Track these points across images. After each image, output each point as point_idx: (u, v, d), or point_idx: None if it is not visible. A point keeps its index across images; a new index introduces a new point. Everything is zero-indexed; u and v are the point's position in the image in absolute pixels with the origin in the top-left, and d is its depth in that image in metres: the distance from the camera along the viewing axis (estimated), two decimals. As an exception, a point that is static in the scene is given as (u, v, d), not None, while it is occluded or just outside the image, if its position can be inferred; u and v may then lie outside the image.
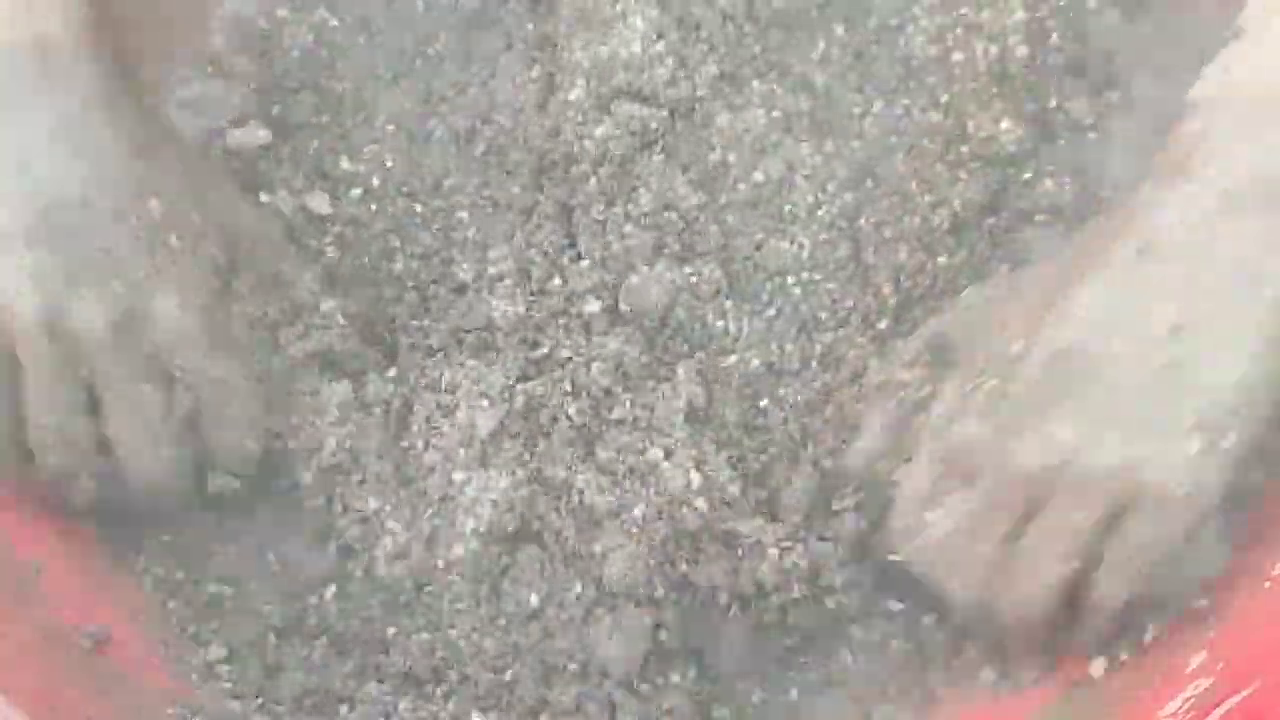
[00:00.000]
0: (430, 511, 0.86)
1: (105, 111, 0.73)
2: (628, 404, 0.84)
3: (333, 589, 0.87)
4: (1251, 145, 0.63)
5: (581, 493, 0.82)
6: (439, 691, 0.84)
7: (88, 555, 0.85)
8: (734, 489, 0.83)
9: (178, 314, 0.74)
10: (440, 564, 0.85)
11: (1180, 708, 0.71)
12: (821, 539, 0.84)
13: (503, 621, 0.84)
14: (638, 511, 0.81)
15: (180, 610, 0.86)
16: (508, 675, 0.83)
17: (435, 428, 0.86)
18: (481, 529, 0.82)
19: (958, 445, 0.73)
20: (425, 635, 0.84)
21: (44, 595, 0.80)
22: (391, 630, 0.85)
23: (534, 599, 0.83)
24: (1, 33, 0.69)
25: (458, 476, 0.83)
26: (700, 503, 0.82)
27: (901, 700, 0.86)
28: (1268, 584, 0.74)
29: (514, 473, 0.83)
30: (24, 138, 0.70)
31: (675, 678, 0.84)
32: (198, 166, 0.81)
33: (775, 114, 0.91)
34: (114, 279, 0.73)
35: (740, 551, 0.83)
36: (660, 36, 0.87)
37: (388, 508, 0.88)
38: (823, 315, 0.87)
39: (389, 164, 0.93)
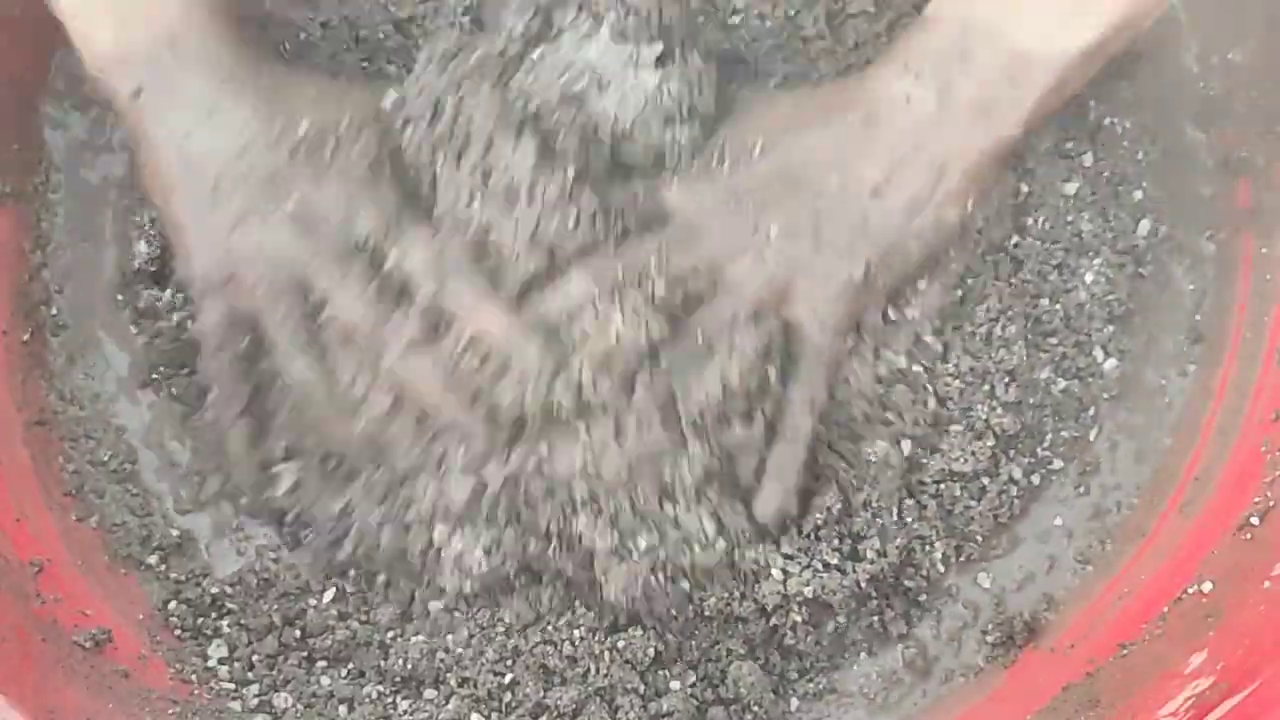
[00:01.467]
0: (418, 565, 0.85)
1: (238, 80, 0.80)
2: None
3: (332, 592, 0.87)
4: (956, 61, 0.76)
5: (580, 536, 0.82)
6: (439, 693, 0.84)
7: (88, 555, 0.85)
8: (743, 521, 0.83)
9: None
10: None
11: (1180, 707, 0.71)
12: (826, 564, 0.83)
13: (502, 628, 0.84)
14: (642, 542, 0.81)
15: (180, 610, 0.86)
16: (507, 678, 0.83)
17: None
18: (472, 577, 0.83)
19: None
20: (424, 638, 0.84)
21: (44, 595, 0.80)
22: (391, 634, 0.85)
23: (532, 612, 0.83)
24: (137, 34, 0.77)
25: (439, 531, 0.83)
26: (717, 543, 0.82)
27: (900, 707, 0.87)
28: (1267, 584, 0.74)
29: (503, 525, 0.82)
30: (184, 120, 0.79)
31: (675, 684, 0.83)
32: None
33: None
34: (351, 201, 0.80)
35: (743, 573, 0.83)
36: None
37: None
38: None
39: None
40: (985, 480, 0.87)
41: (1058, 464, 0.90)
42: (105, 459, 0.89)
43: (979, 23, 0.75)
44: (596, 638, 0.82)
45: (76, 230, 0.93)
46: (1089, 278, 0.90)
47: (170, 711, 0.78)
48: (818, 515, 0.83)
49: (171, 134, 0.78)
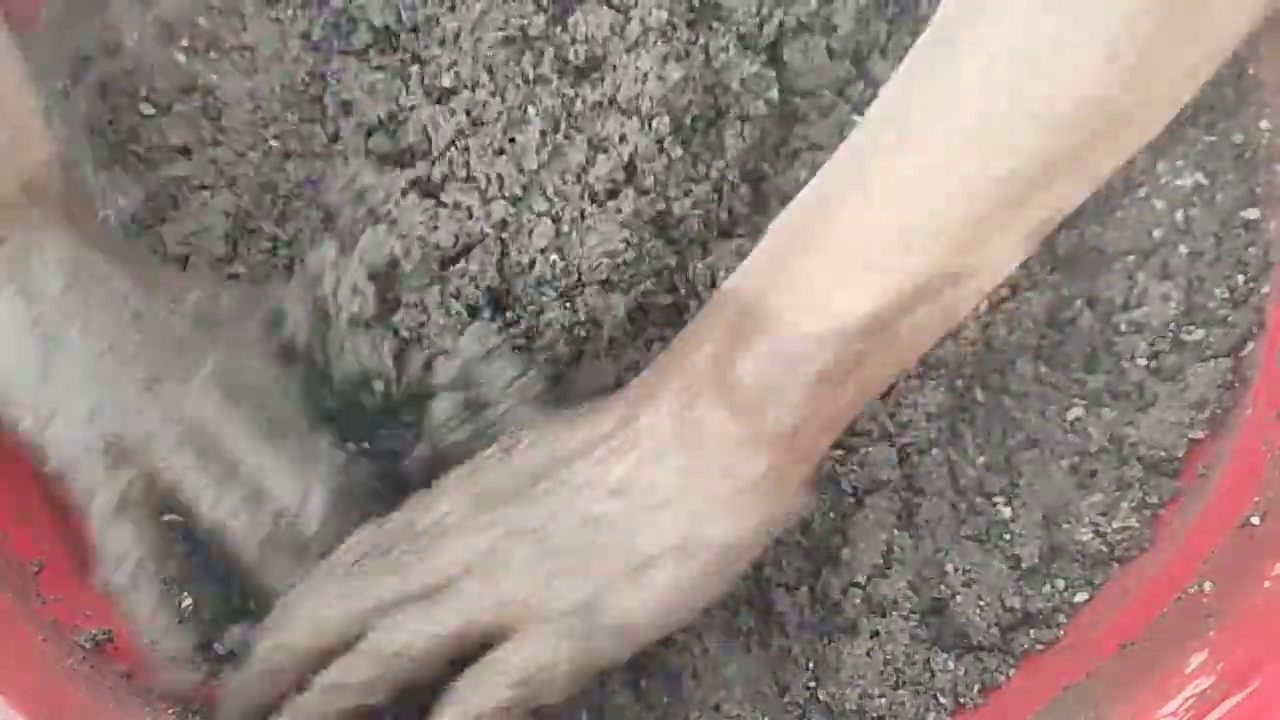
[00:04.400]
0: None
1: (102, 245, 0.76)
2: None
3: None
4: (719, 352, 0.66)
5: None
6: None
7: (88, 555, 0.84)
8: None
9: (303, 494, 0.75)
10: None
11: (1180, 707, 0.71)
12: None
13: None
14: None
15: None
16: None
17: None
18: None
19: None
20: None
21: (44, 595, 0.80)
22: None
23: None
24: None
25: None
26: None
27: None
28: (1268, 584, 0.74)
29: None
30: (50, 279, 0.73)
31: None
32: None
33: None
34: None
35: None
36: None
37: None
38: None
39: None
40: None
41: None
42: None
43: (754, 301, 0.66)
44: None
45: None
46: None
47: (170, 711, 0.78)
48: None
49: (37, 292, 0.72)
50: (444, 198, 0.85)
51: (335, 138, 0.89)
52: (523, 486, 0.69)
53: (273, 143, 0.90)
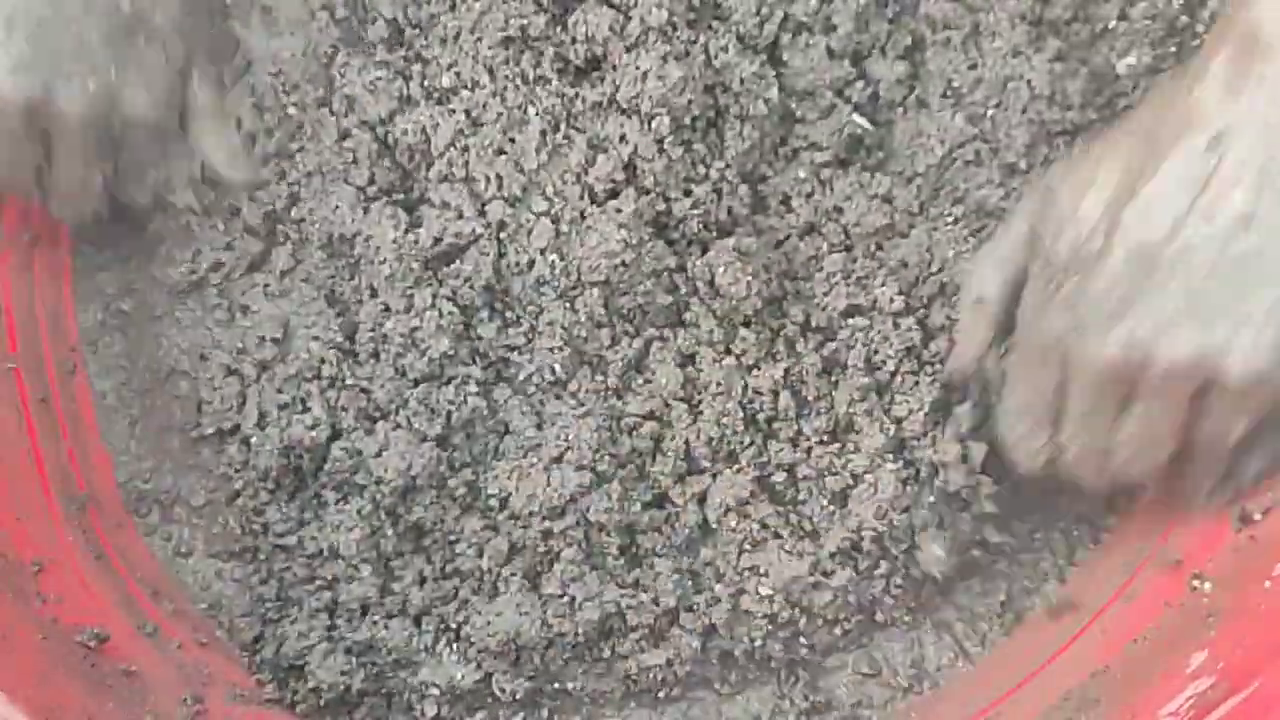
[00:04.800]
0: None
1: None
2: None
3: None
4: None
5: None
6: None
7: (88, 555, 0.85)
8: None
9: (142, 109, 0.82)
10: None
11: (1180, 707, 0.71)
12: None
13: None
14: None
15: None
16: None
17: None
18: None
19: (1046, 343, 0.73)
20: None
21: (44, 595, 0.80)
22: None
23: None
24: None
25: None
26: None
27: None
28: (1268, 584, 0.74)
29: None
30: None
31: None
32: None
33: None
34: (89, 73, 0.80)
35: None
36: None
37: None
38: None
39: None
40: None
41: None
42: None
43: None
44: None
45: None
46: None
47: (171, 710, 0.78)
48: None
49: None
50: (437, 199, 0.85)
51: (345, 136, 0.89)
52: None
53: (291, 110, 0.90)
